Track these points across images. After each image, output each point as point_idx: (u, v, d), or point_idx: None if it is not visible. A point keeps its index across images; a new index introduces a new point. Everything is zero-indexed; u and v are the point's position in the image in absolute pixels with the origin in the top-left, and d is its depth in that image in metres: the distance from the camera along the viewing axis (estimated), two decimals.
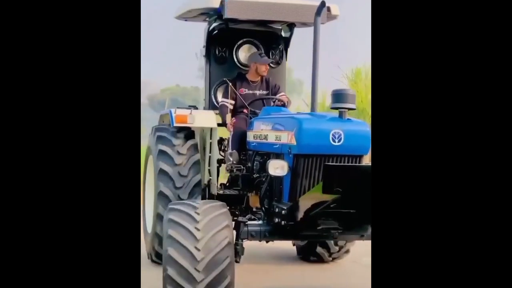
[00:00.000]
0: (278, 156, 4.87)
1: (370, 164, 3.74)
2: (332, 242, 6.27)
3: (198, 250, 4.24)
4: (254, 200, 5.52)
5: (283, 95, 6.33)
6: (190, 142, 5.92)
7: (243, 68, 6.59)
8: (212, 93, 6.58)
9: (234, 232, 4.68)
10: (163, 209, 5.59)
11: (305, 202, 4.35)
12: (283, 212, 4.55)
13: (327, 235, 4.80)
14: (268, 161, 4.65)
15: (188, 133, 5.98)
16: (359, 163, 4.57)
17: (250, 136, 5.65)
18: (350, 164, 4.52)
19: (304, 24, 6.45)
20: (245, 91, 6.26)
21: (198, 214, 4.41)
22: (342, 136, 4.49)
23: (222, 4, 5.69)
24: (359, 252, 6.60)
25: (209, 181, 6.07)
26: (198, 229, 4.31)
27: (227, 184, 6.20)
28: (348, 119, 4.57)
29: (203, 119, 5.96)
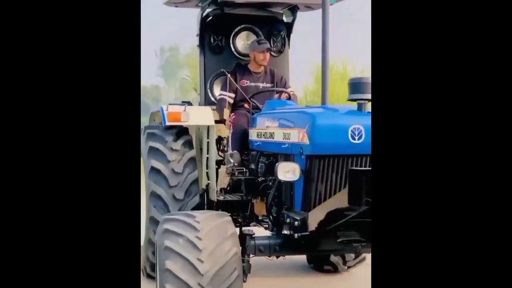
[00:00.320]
0: (287, 157, 4.23)
1: None
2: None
3: (202, 262, 3.65)
4: (259, 207, 4.91)
5: (292, 91, 5.68)
6: (184, 138, 5.31)
7: (242, 58, 6.01)
8: (208, 86, 6.00)
9: None
10: (156, 211, 5.02)
11: (323, 213, 3.73)
12: (296, 223, 3.91)
13: (348, 249, 4.18)
14: (276, 164, 4.02)
15: (181, 129, 5.37)
16: None
17: (252, 134, 5.02)
18: None
19: (309, 7, 5.85)
20: (246, 83, 5.65)
21: (198, 222, 3.84)
22: (363, 132, 3.83)
23: None
24: None
25: (207, 185, 5.43)
26: (199, 238, 3.73)
27: (228, 189, 5.50)
28: (368, 112, 3.90)
29: (199, 116, 5.32)
